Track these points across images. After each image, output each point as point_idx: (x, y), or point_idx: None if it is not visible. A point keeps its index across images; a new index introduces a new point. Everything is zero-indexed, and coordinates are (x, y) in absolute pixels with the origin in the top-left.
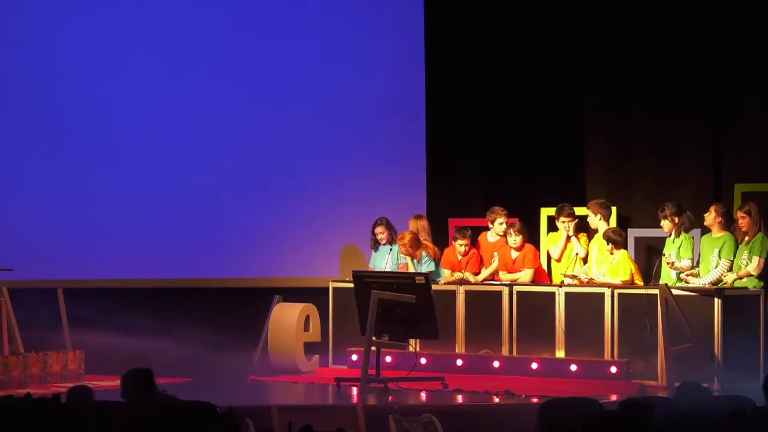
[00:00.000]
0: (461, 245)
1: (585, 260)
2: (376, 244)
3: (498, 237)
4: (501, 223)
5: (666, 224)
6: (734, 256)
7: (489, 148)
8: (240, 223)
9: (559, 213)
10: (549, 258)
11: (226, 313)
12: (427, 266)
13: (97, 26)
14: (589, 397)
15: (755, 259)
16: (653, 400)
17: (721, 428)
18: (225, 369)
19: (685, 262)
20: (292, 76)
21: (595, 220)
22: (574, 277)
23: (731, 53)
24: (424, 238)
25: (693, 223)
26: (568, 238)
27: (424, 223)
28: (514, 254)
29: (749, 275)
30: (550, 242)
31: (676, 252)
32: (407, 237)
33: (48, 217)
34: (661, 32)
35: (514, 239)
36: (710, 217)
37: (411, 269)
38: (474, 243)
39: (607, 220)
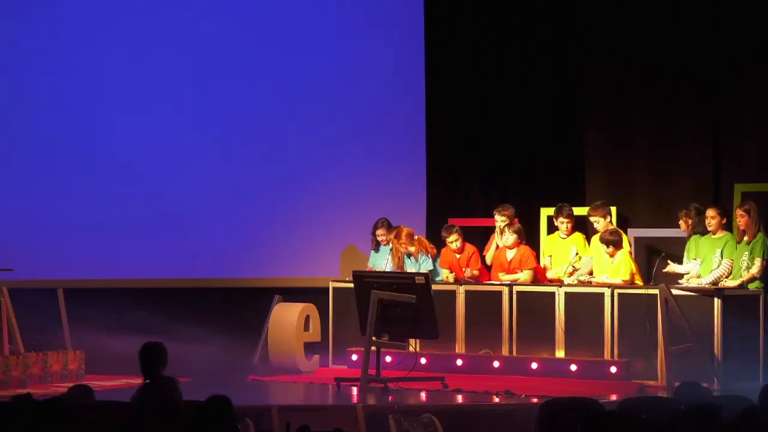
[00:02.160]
0: (452, 242)
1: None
2: (377, 246)
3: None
4: (498, 221)
5: (683, 224)
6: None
7: (489, 148)
8: (240, 223)
9: (557, 213)
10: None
11: (226, 313)
12: (425, 265)
13: (98, 25)
14: (589, 397)
15: (757, 261)
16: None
17: (724, 428)
18: (225, 369)
19: (696, 264)
20: (292, 77)
21: (603, 223)
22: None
23: (731, 53)
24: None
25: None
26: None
27: (407, 230)
28: (510, 255)
29: (753, 278)
30: (548, 245)
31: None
32: (403, 232)
33: (48, 217)
34: (661, 32)
35: (507, 238)
36: (714, 222)
37: (408, 269)
38: (467, 237)
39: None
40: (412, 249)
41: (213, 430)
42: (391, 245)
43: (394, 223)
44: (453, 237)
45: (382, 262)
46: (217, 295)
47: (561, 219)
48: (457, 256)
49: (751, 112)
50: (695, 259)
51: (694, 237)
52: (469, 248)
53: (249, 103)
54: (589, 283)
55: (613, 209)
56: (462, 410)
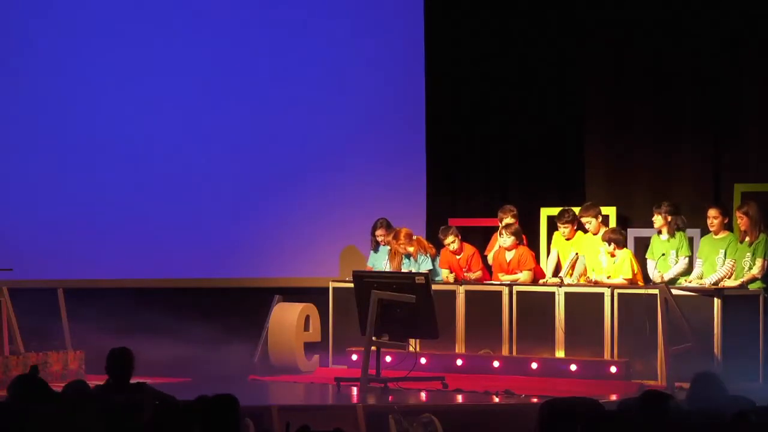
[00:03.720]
0: (449, 244)
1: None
2: (376, 246)
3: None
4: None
5: (658, 219)
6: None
7: (489, 148)
8: (240, 223)
9: (558, 218)
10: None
11: (226, 313)
12: (424, 265)
13: (96, 27)
14: (589, 397)
15: (759, 261)
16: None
17: (724, 428)
18: (225, 369)
19: (684, 260)
20: (292, 78)
21: (595, 224)
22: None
23: (731, 53)
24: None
25: (686, 225)
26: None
27: (405, 230)
28: (509, 256)
29: (754, 279)
30: (555, 241)
31: (675, 251)
32: (402, 233)
33: (48, 217)
34: (661, 32)
35: (505, 239)
36: (716, 223)
37: (407, 269)
38: (467, 238)
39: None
40: (410, 249)
41: (219, 430)
42: (390, 246)
43: (393, 223)
44: (450, 239)
45: (381, 262)
46: (217, 295)
47: (560, 224)
48: (457, 257)
49: (751, 112)
50: (686, 257)
51: (680, 234)
52: (469, 249)
53: (250, 103)
54: (591, 283)
55: (613, 209)
56: (462, 410)
